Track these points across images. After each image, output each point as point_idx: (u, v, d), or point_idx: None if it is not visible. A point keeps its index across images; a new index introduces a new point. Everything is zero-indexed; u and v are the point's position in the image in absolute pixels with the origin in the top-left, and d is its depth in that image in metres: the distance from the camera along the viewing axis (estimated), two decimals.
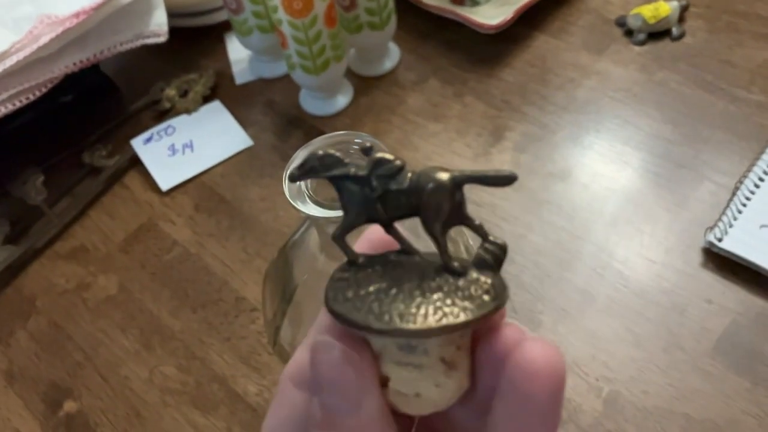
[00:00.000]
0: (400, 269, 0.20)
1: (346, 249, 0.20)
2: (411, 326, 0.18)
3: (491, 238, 0.20)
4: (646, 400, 0.43)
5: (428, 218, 0.19)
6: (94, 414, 0.48)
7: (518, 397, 0.18)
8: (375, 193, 0.19)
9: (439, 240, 0.19)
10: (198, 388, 0.47)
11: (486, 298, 0.19)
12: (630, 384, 0.43)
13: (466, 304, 0.18)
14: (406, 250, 0.21)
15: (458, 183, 0.19)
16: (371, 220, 0.20)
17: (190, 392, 0.47)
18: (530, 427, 0.18)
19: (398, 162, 0.19)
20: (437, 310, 0.18)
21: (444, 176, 0.19)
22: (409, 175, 0.19)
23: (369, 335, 0.19)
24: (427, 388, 0.19)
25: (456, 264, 0.19)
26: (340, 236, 0.20)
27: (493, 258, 0.20)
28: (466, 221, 0.20)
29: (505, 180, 0.19)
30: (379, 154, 0.19)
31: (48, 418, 0.48)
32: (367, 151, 0.20)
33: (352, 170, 0.19)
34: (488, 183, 0.19)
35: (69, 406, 0.48)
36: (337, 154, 0.20)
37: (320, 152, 0.20)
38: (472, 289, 0.19)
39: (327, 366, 0.19)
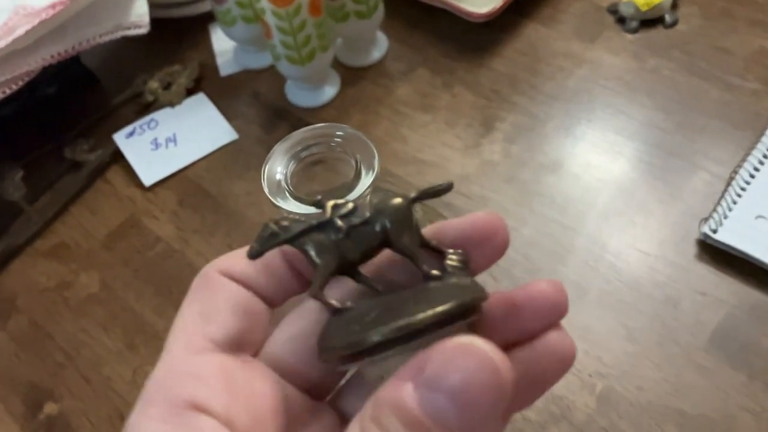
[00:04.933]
0: (384, 299, 0.20)
1: (327, 303, 0.20)
2: (419, 318, 0.18)
3: (451, 250, 0.21)
4: (640, 396, 0.42)
5: (398, 233, 0.20)
6: (75, 416, 0.46)
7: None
8: (341, 233, 0.20)
9: (414, 251, 0.21)
10: None
11: (470, 288, 0.20)
12: (624, 379, 0.42)
13: (455, 294, 0.19)
14: (381, 290, 0.22)
15: (413, 200, 0.21)
16: (343, 263, 0.21)
17: None
18: (446, 415, 0.18)
19: (351, 203, 0.21)
20: (432, 307, 0.19)
21: (398, 199, 0.21)
22: (367, 213, 0.21)
23: (379, 353, 0.19)
24: None
25: (434, 271, 0.21)
26: (318, 291, 0.20)
27: (462, 263, 0.21)
28: (425, 242, 0.21)
29: (446, 187, 0.22)
30: (333, 201, 0.21)
31: (28, 420, 0.47)
32: (318, 203, 0.21)
33: (314, 222, 0.21)
34: (434, 194, 0.22)
35: (50, 407, 0.47)
36: (292, 216, 0.21)
37: (276, 219, 0.21)
38: (455, 286, 0.20)
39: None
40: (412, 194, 0.21)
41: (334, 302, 0.20)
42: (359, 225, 0.20)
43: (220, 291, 0.21)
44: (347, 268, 0.21)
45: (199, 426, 0.18)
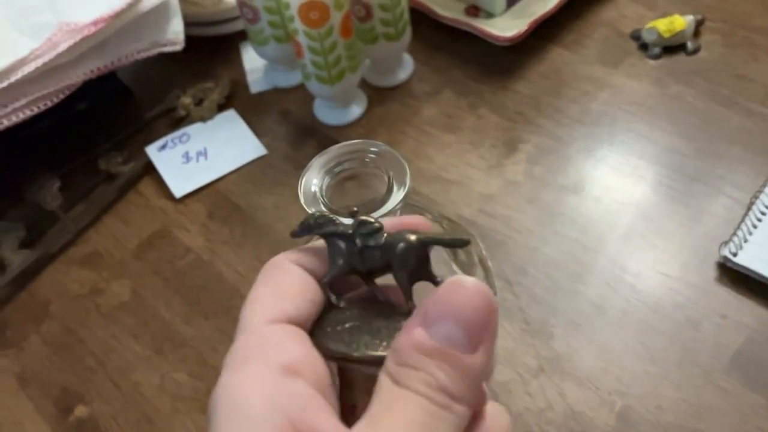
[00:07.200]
0: (372, 312, 0.24)
1: (330, 295, 0.24)
2: (374, 353, 0.23)
3: None
4: (659, 416, 0.42)
5: (398, 269, 0.24)
6: (104, 419, 0.48)
7: (445, 303, 0.21)
8: (356, 248, 0.24)
9: (405, 288, 0.24)
10: (210, 395, 0.47)
11: None
12: (643, 399, 0.43)
13: None
14: (380, 298, 0.25)
15: (423, 243, 0.23)
16: (353, 270, 0.24)
17: (201, 399, 0.47)
18: (455, 337, 0.21)
19: (377, 224, 0.24)
20: (383, 345, 0.23)
21: (412, 237, 0.23)
22: (385, 235, 0.24)
23: (344, 362, 0.23)
24: None
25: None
26: (328, 283, 0.24)
27: None
28: (430, 278, 0.24)
29: (460, 243, 0.24)
30: (363, 217, 0.24)
31: (59, 422, 0.48)
32: (353, 214, 0.24)
33: (341, 229, 0.24)
34: (446, 245, 0.24)
35: (80, 410, 0.48)
36: (330, 215, 0.25)
37: (316, 213, 0.25)
38: None
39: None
40: (426, 238, 0.24)
41: (333, 298, 0.24)
42: (372, 247, 0.24)
43: (292, 275, 0.25)
44: (359, 273, 0.24)
45: (297, 389, 0.21)
